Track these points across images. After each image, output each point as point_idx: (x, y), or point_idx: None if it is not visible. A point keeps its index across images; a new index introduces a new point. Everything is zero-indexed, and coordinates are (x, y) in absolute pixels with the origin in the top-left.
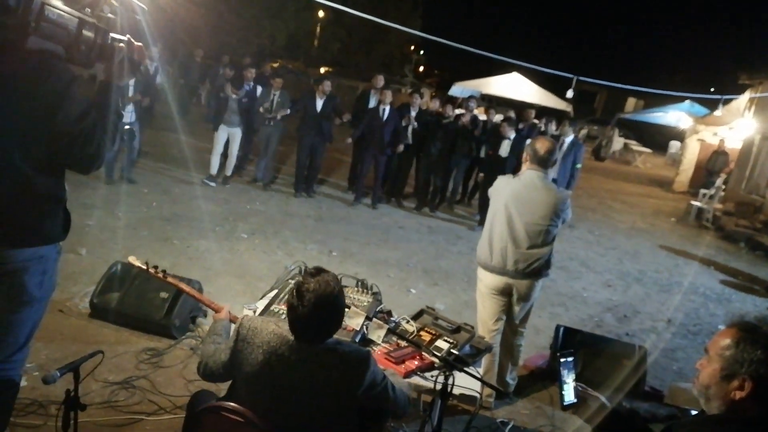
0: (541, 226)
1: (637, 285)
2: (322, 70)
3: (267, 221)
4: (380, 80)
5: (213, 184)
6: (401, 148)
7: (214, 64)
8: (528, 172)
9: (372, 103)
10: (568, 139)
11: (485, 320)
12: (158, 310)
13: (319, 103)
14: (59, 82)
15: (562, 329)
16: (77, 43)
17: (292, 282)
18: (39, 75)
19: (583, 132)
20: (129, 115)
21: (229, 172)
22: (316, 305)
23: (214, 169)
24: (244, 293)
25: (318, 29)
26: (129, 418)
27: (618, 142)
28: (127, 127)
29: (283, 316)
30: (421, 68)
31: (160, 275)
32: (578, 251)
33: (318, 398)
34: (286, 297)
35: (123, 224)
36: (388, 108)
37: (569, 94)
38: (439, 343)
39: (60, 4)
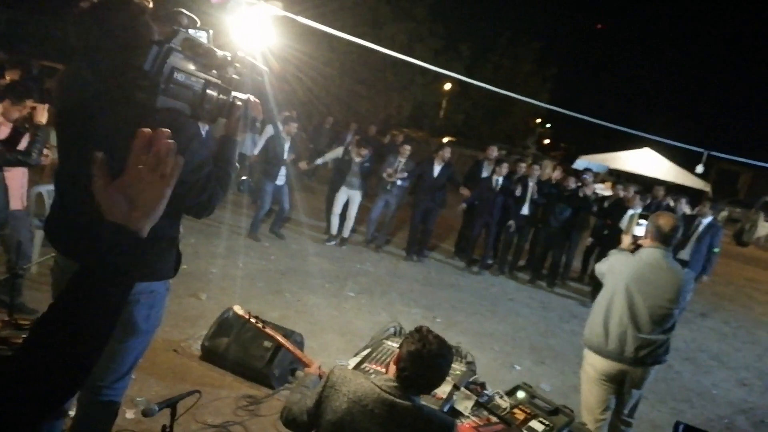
0: (667, 310)
1: None
2: (445, 140)
3: (375, 282)
4: (493, 151)
5: (332, 243)
6: (512, 226)
7: (342, 131)
8: (650, 250)
9: (485, 174)
10: (706, 220)
11: (592, 408)
12: (260, 359)
13: (437, 169)
14: (183, 136)
15: (681, 427)
16: (202, 101)
17: (387, 342)
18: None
19: (724, 214)
20: (281, 177)
21: (346, 233)
22: (432, 354)
23: (333, 228)
24: (345, 351)
25: (444, 101)
26: None
27: (764, 227)
28: (279, 184)
29: (373, 375)
30: (547, 141)
31: (260, 326)
32: (710, 343)
33: None
34: (378, 357)
35: (242, 274)
36: (501, 179)
37: (699, 169)
38: (534, 423)
39: (189, 67)
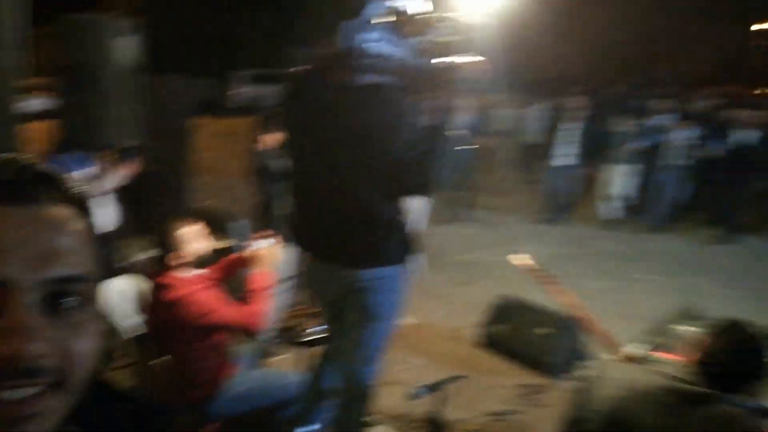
0: None
1: None
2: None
3: (671, 260)
4: None
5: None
6: None
7: (635, 100)
8: None
9: None
10: None
11: None
12: (539, 347)
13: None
14: (391, 111)
15: None
16: (406, 72)
17: (678, 328)
18: (370, 108)
19: None
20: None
21: (619, 214)
22: (740, 346)
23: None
24: (629, 339)
25: (755, 44)
26: None
27: None
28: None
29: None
30: None
31: (543, 279)
32: None
33: None
34: (668, 344)
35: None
36: None
37: None
38: None
39: (385, 38)
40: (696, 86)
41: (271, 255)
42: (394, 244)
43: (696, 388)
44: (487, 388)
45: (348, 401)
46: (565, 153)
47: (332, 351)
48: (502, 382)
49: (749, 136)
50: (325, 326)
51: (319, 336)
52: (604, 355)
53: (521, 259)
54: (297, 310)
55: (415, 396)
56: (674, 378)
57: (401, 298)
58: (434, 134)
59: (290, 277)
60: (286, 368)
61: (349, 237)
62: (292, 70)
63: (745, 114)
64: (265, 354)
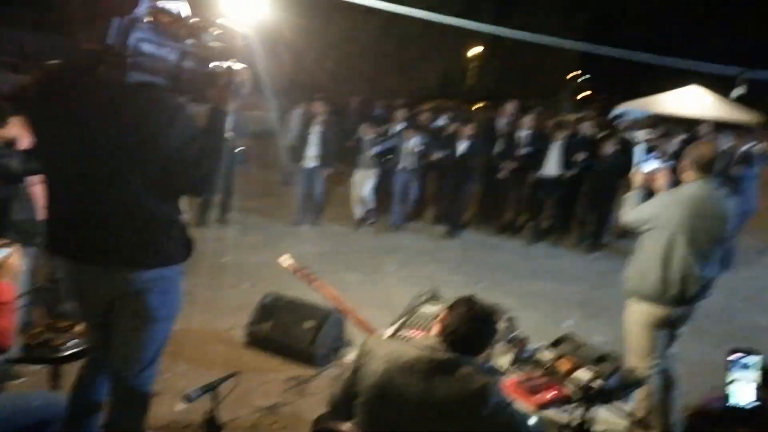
0: (725, 240)
1: None
2: (479, 105)
3: (415, 254)
4: (511, 107)
5: (369, 221)
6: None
7: (368, 110)
8: (696, 183)
9: (501, 131)
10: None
11: (646, 354)
12: (303, 340)
13: (463, 146)
14: (163, 111)
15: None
16: (179, 73)
17: (423, 308)
18: (143, 106)
19: None
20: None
21: (365, 214)
22: (475, 316)
23: (358, 213)
24: (385, 325)
25: (472, 66)
26: None
27: None
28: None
29: (410, 340)
30: (585, 93)
31: (306, 278)
32: None
33: (438, 415)
34: (415, 322)
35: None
36: (525, 134)
37: (735, 93)
38: (580, 373)
39: (158, 38)
40: (422, 100)
41: (10, 265)
42: (174, 244)
43: (441, 355)
44: (258, 384)
45: (125, 410)
46: (314, 155)
47: (101, 360)
48: (271, 378)
49: (467, 145)
50: (86, 337)
51: (74, 350)
52: (366, 340)
53: (285, 260)
54: (46, 324)
55: (188, 399)
56: (425, 348)
57: (180, 298)
58: (211, 135)
59: (29, 290)
60: (36, 388)
61: (124, 237)
62: (49, 62)
63: (465, 126)
64: (8, 376)
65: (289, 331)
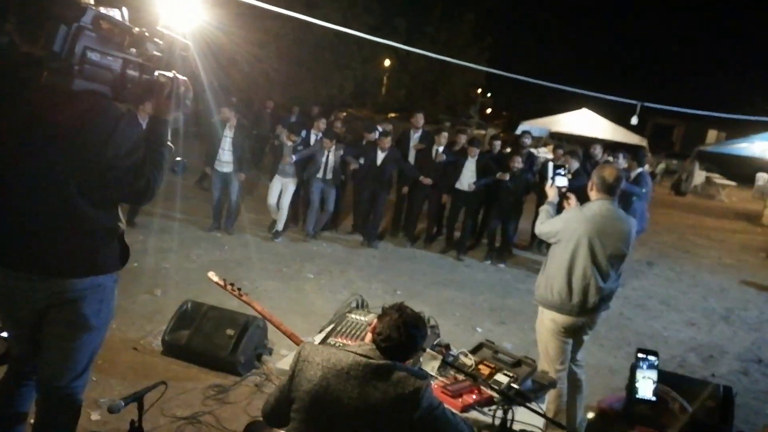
0: (623, 257)
1: (724, 324)
2: (390, 116)
3: (333, 262)
4: (420, 119)
5: (279, 240)
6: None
7: (284, 115)
8: (599, 202)
9: (413, 143)
10: (635, 172)
11: (553, 360)
12: (224, 348)
13: (381, 157)
14: (106, 119)
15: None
16: (123, 82)
17: (351, 316)
18: (86, 114)
19: (662, 166)
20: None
21: (280, 226)
22: (405, 323)
23: (280, 224)
24: (309, 332)
25: (384, 77)
26: None
27: (699, 176)
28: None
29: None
30: (489, 110)
31: (236, 293)
32: (658, 289)
33: (373, 419)
34: (343, 330)
35: (196, 266)
36: (441, 149)
37: (634, 120)
38: (499, 376)
39: (103, 47)
40: (336, 108)
41: None
42: (110, 251)
43: (374, 360)
44: (176, 394)
45: (56, 419)
46: (227, 160)
47: (27, 369)
48: (190, 387)
49: (384, 156)
50: (9, 347)
51: None
52: (302, 347)
53: (213, 276)
54: None
55: (113, 410)
56: (361, 354)
57: (113, 306)
58: (152, 144)
59: None
60: None
61: (60, 245)
62: None
63: (381, 137)
64: None
65: (211, 339)
